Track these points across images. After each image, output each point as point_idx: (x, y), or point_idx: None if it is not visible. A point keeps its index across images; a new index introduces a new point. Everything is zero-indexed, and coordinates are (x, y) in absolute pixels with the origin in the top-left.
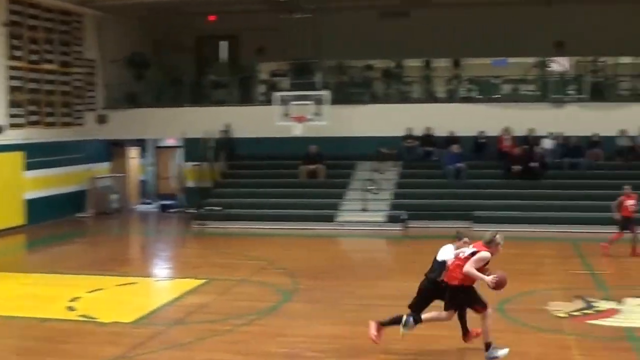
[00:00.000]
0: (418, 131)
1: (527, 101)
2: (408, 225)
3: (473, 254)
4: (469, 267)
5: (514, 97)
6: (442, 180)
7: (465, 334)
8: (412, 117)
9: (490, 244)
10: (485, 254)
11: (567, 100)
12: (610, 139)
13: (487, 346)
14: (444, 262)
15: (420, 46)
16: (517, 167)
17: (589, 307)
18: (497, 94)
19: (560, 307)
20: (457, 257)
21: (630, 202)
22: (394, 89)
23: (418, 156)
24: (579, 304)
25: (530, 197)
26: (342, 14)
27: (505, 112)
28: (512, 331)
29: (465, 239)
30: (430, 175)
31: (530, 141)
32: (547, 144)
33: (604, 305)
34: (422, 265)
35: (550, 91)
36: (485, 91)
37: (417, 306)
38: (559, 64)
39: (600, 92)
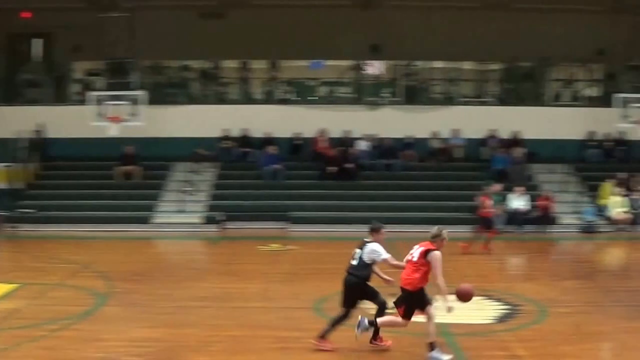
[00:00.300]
0: (235, 132)
1: (342, 103)
2: (225, 227)
3: (424, 254)
4: (440, 280)
5: (330, 99)
6: (259, 181)
7: (376, 335)
8: (229, 118)
9: (436, 239)
10: (437, 253)
11: (381, 102)
12: (423, 141)
13: (431, 346)
14: (372, 263)
15: (238, 47)
16: (332, 168)
17: None
18: (314, 96)
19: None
20: (409, 261)
21: (489, 203)
22: (211, 89)
23: (235, 157)
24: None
25: (345, 197)
26: (159, 13)
27: (321, 114)
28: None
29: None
30: (247, 177)
31: (345, 143)
32: (362, 145)
33: None
34: (239, 267)
35: (366, 94)
36: (302, 93)
37: (348, 304)
38: (374, 67)
39: (414, 95)
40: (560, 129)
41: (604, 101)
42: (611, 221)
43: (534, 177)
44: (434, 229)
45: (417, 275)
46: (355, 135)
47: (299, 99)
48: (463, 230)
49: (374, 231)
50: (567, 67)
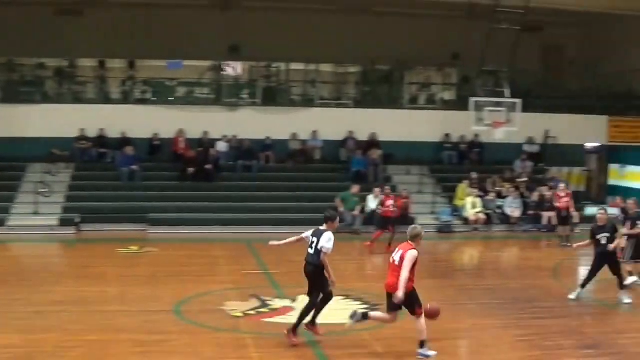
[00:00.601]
0: (92, 132)
1: (201, 104)
2: (82, 229)
3: (402, 257)
4: (404, 276)
5: (189, 100)
6: (116, 182)
7: (312, 325)
8: (85, 118)
9: (416, 239)
10: (413, 252)
11: (240, 104)
12: (282, 142)
13: (422, 344)
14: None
15: (95, 46)
16: (191, 170)
17: (264, 305)
18: (172, 96)
19: (236, 307)
20: (391, 264)
21: (390, 202)
22: (67, 88)
23: (91, 158)
24: (254, 303)
25: (204, 199)
26: (14, 9)
27: (180, 114)
28: (188, 332)
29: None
30: (104, 178)
31: (204, 144)
32: (222, 146)
33: (278, 303)
34: (97, 270)
35: (225, 95)
36: (161, 93)
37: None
38: (233, 69)
39: (273, 96)
40: (416, 132)
41: (459, 104)
42: (466, 221)
43: (392, 178)
44: (413, 230)
45: (396, 277)
46: (214, 136)
47: (157, 99)
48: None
49: (330, 220)
50: (424, 71)
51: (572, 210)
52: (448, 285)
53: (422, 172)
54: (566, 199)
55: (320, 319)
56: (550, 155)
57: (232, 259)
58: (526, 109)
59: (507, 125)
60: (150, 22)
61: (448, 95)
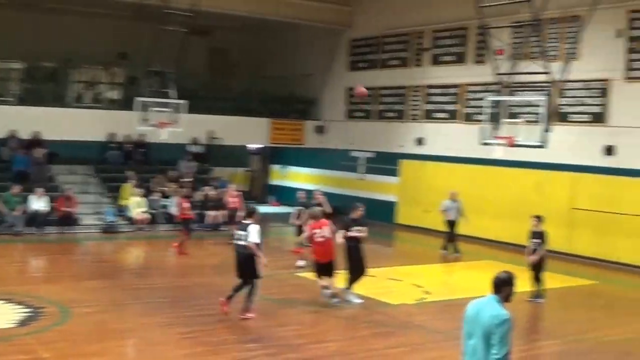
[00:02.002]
0: None
1: None
2: None
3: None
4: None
5: None
6: None
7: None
8: None
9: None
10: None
11: None
12: None
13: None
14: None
15: None
16: None
17: None
18: None
19: None
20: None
21: (186, 205)
22: None
23: None
24: None
25: None
26: None
27: None
28: None
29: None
30: None
31: None
32: None
33: None
34: None
35: None
36: None
37: (245, 276)
38: None
39: None
40: (81, 130)
41: (125, 104)
42: (131, 221)
43: (56, 178)
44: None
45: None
46: None
47: None
48: None
49: (252, 214)
50: (90, 70)
51: (241, 209)
52: (113, 285)
53: (87, 171)
54: (236, 200)
55: None
56: (215, 155)
57: None
58: (192, 110)
59: (172, 125)
60: None
61: (114, 94)
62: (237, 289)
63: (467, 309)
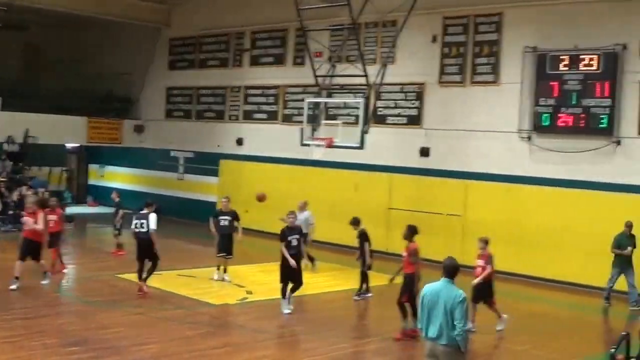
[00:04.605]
0: None
1: None
2: None
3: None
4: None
5: None
6: None
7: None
8: None
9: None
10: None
11: None
12: None
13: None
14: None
15: None
16: None
17: None
18: None
19: None
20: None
21: (52, 217)
22: None
23: None
24: None
25: None
26: None
27: None
28: None
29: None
30: None
31: None
32: None
33: None
34: None
35: None
36: None
37: (142, 257)
38: None
39: None
40: None
41: None
42: None
43: None
44: None
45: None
46: None
47: None
48: None
49: (150, 205)
50: None
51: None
52: None
53: None
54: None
55: None
56: (31, 154)
57: None
58: (7, 107)
59: None
60: None
61: None
62: (141, 270)
63: (425, 293)
